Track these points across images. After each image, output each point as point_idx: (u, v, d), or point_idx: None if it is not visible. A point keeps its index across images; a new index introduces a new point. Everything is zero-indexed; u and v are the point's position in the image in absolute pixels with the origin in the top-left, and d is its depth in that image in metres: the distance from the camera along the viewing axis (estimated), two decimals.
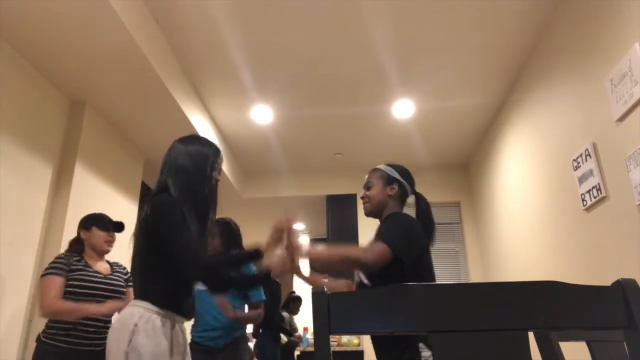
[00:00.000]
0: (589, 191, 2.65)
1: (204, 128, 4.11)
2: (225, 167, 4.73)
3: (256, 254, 1.79)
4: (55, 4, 2.46)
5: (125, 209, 3.84)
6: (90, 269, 2.39)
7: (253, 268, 2.35)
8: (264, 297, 2.76)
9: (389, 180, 1.94)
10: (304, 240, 1.69)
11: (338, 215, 5.48)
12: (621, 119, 2.33)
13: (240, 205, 5.65)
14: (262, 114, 4.29)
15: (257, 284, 1.67)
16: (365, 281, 1.81)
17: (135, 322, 1.51)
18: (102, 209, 3.52)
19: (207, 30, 3.20)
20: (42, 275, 2.29)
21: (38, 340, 2.28)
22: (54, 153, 3.13)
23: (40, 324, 2.79)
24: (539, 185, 3.43)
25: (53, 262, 2.34)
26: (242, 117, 4.36)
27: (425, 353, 1.61)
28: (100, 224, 2.51)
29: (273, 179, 5.67)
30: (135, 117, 3.63)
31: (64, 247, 2.99)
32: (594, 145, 2.60)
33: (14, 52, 2.80)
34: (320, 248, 1.76)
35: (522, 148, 3.74)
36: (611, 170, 2.46)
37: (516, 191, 3.91)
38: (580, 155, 2.72)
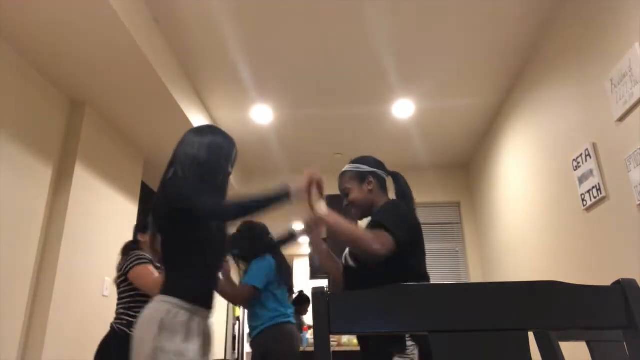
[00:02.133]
0: (589, 191, 2.65)
1: None
2: None
3: (284, 193, 1.61)
4: (55, 4, 2.46)
5: (125, 209, 3.85)
6: None
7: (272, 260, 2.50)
8: (251, 282, 2.64)
9: (362, 178, 1.85)
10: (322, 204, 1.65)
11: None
12: (621, 119, 2.33)
13: None
14: (262, 114, 4.29)
15: (275, 201, 1.63)
16: (352, 263, 1.74)
17: (161, 317, 1.46)
18: (102, 208, 3.53)
19: (207, 30, 3.20)
20: (136, 265, 2.40)
21: (123, 332, 2.33)
22: (54, 153, 3.13)
23: (40, 325, 2.80)
24: (539, 185, 3.42)
25: (139, 255, 2.45)
26: (242, 117, 4.36)
27: (409, 342, 1.56)
28: None
29: (273, 179, 5.63)
30: (135, 117, 3.63)
31: (64, 247, 3.00)
32: (594, 145, 2.60)
33: (14, 52, 2.80)
34: (336, 217, 1.64)
35: (522, 148, 3.74)
36: (611, 170, 2.46)
37: (516, 191, 3.91)
38: (580, 155, 2.72)
